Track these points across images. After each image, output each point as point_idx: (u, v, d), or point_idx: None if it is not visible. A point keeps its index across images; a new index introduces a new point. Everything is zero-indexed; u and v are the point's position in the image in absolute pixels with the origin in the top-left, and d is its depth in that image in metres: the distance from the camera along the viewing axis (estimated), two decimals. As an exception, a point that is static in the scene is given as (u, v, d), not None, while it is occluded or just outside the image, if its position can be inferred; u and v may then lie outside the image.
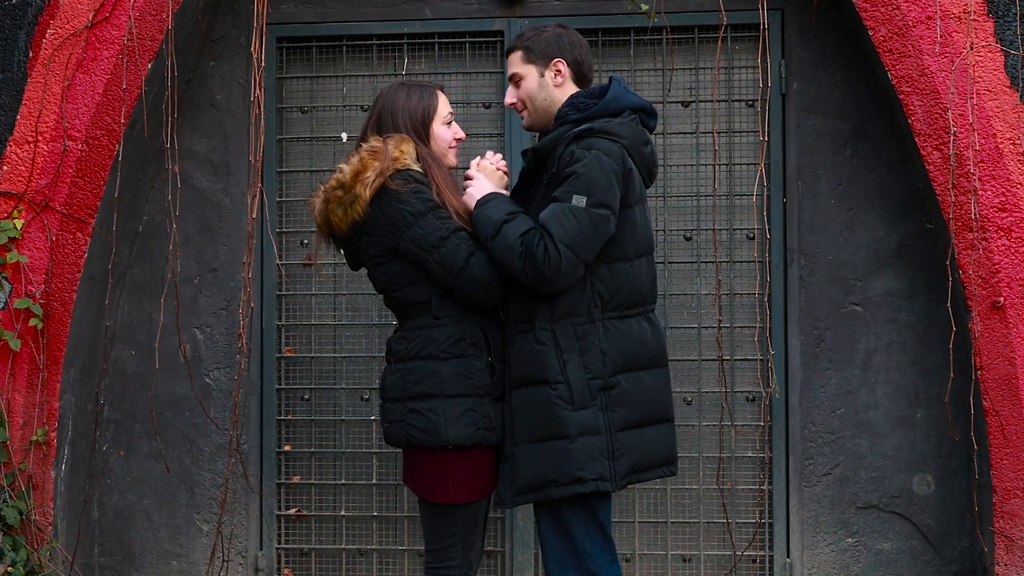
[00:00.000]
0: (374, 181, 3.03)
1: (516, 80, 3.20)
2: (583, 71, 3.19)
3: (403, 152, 3.08)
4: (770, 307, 4.19)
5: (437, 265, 3.02)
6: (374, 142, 3.10)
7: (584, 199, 2.93)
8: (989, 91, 3.83)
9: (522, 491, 3.02)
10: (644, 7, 4.07)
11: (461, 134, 3.26)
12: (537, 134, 3.28)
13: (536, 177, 3.10)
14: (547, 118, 3.16)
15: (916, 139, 3.87)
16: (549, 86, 3.15)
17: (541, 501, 3.03)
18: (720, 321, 4.13)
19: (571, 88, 3.16)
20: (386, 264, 3.09)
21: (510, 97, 3.23)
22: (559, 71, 3.15)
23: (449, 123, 3.22)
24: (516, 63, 3.19)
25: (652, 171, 3.20)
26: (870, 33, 3.90)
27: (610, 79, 3.18)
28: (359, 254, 3.18)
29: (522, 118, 3.24)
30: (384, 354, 4.31)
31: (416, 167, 3.08)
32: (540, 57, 3.15)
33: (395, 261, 3.07)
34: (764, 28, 3.97)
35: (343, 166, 3.10)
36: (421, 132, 3.16)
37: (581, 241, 2.93)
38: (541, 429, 3.00)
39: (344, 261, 4.35)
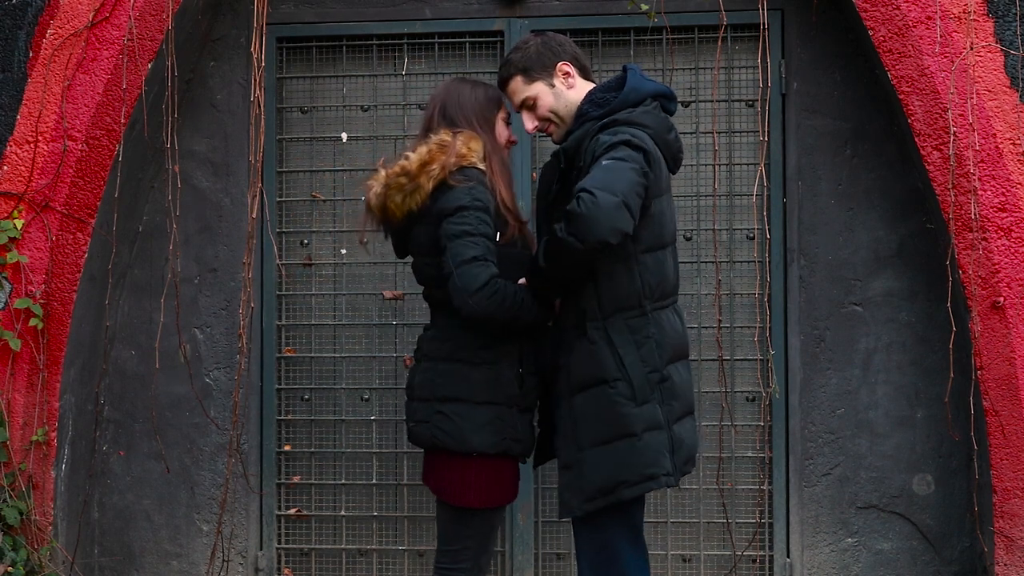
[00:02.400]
0: (438, 174, 3.05)
1: (528, 104, 3.13)
2: (583, 63, 3.16)
3: (471, 150, 3.09)
4: (770, 307, 4.19)
5: (447, 255, 3.01)
6: (444, 135, 3.11)
7: (613, 161, 2.84)
8: (989, 91, 3.83)
9: (592, 496, 2.93)
10: (644, 7, 4.07)
11: (515, 137, 3.26)
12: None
13: (567, 176, 3.05)
14: (571, 122, 3.11)
15: (916, 139, 3.87)
16: (564, 92, 3.10)
17: (611, 505, 2.95)
18: (720, 321, 4.13)
19: (583, 84, 3.12)
20: (433, 256, 3.09)
21: (531, 123, 3.15)
22: (567, 72, 3.11)
23: (508, 123, 3.24)
24: (520, 89, 3.13)
25: (677, 157, 3.14)
26: (870, 33, 3.90)
27: (624, 68, 3.12)
28: (408, 243, 3.20)
29: (550, 135, 3.17)
30: (380, 354, 4.36)
31: (481, 166, 3.10)
32: (541, 70, 3.10)
33: (442, 255, 3.06)
34: (764, 28, 3.97)
35: (410, 154, 3.11)
36: (488, 124, 3.17)
37: (615, 182, 2.78)
38: (606, 430, 2.92)
39: (349, 260, 4.38)
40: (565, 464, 3.00)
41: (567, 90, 3.10)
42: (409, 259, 3.28)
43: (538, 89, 3.11)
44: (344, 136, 4.41)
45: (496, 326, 3.03)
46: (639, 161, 2.86)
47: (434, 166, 3.05)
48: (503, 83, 3.18)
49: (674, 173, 3.14)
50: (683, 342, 3.09)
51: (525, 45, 3.13)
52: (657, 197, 2.97)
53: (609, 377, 2.92)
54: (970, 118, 3.82)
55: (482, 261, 2.98)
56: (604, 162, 2.84)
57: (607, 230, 2.75)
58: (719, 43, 4.09)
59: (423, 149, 3.09)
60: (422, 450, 3.20)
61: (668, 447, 2.95)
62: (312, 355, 4.41)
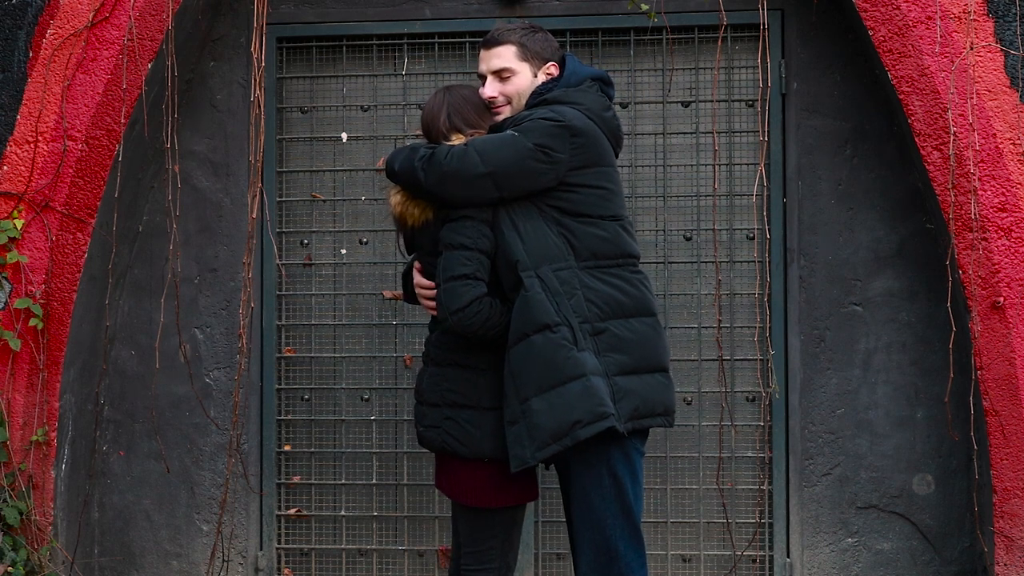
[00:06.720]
0: None
1: (505, 75, 3.16)
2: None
3: None
4: (770, 307, 4.19)
5: (439, 263, 3.04)
6: (456, 139, 3.12)
7: (516, 134, 2.97)
8: (989, 91, 3.83)
9: (545, 443, 2.91)
10: (644, 7, 4.07)
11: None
12: None
13: None
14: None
15: (916, 139, 3.87)
16: (535, 86, 3.16)
17: (567, 448, 2.93)
18: (720, 321, 4.13)
19: None
20: (435, 257, 3.10)
21: (492, 91, 3.17)
22: (550, 74, 3.17)
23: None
24: (509, 58, 3.15)
25: (617, 135, 3.18)
26: (870, 33, 3.90)
27: (562, 57, 3.20)
28: (414, 242, 3.25)
29: (497, 114, 3.19)
30: (380, 354, 4.36)
31: None
32: (536, 57, 3.16)
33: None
34: (764, 28, 3.97)
35: None
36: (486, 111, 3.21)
37: (494, 153, 2.94)
38: (553, 375, 2.92)
39: (349, 260, 4.38)
40: (510, 420, 2.98)
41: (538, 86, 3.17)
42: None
43: (523, 70, 3.16)
44: (344, 136, 4.40)
45: (478, 340, 3.05)
46: (546, 136, 2.95)
47: None
48: (494, 42, 3.19)
49: (617, 152, 3.17)
50: (635, 300, 3.04)
51: (531, 28, 3.20)
52: (587, 169, 3.00)
53: (551, 322, 2.94)
54: (970, 118, 3.82)
55: (470, 279, 2.98)
56: (509, 130, 3.00)
57: (451, 183, 2.97)
58: (719, 43, 4.08)
59: None
60: (423, 451, 3.21)
61: (610, 395, 2.94)
62: (312, 355, 4.41)
